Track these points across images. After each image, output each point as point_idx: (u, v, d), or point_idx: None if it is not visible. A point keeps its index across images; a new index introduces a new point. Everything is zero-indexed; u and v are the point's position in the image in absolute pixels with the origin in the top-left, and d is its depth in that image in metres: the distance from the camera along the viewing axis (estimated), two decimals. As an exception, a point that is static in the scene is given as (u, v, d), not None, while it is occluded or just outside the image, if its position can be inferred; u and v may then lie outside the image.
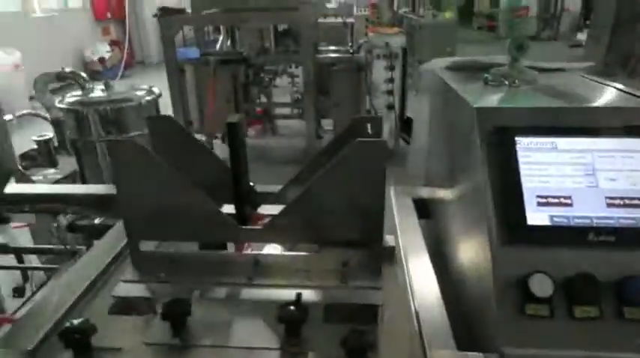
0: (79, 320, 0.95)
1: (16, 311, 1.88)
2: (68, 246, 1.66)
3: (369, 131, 1.15)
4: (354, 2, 9.50)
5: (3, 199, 1.75)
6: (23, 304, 1.59)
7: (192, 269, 1.18)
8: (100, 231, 1.58)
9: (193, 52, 6.17)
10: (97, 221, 1.62)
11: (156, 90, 3.19)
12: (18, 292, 1.90)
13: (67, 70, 3.14)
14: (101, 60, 11.88)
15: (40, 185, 2.02)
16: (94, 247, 1.34)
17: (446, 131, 1.47)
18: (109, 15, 12.93)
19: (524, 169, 1.02)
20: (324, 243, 1.16)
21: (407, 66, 5.86)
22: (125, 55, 12.32)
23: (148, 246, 1.24)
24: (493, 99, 1.28)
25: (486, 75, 1.39)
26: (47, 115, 3.23)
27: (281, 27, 9.61)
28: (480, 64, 1.52)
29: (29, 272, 2.13)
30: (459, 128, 1.27)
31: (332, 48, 6.40)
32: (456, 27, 8.56)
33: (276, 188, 1.38)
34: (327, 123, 6.45)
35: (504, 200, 1.00)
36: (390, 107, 5.99)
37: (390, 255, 1.20)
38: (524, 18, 15.51)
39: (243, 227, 1.15)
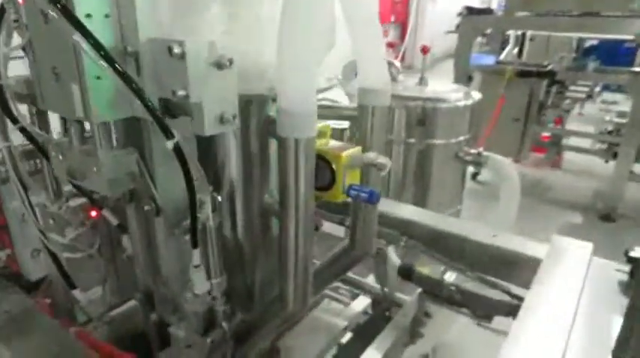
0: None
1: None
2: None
3: None
4: None
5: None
6: None
7: None
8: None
9: (489, 59, 5.44)
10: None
11: (475, 95, 2.59)
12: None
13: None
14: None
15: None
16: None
17: None
18: (392, 19, 13.36)
19: None
20: None
21: None
22: (400, 56, 12.59)
23: None
24: None
25: None
26: (348, 104, 3.00)
27: (588, 42, 8.05)
28: None
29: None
30: None
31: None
32: None
33: None
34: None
35: None
36: None
37: None
38: None
39: None
